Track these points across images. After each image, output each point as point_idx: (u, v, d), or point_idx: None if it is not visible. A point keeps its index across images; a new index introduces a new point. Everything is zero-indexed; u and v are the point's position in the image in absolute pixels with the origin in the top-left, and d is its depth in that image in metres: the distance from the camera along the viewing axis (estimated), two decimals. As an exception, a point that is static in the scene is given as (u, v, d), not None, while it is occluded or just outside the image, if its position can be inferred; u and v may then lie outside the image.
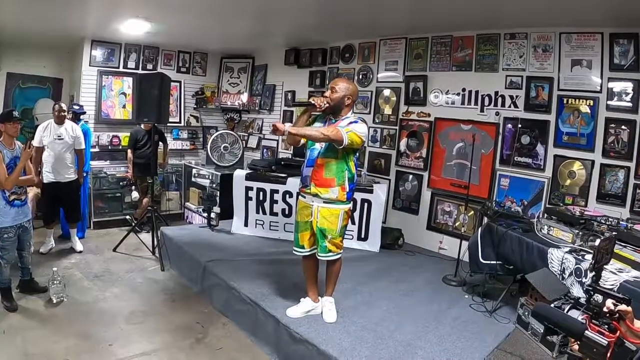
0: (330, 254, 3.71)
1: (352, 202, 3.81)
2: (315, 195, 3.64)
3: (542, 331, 3.54)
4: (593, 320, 1.64)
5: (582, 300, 2.03)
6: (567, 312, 1.91)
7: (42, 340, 3.77)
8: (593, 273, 2.09)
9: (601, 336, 1.56)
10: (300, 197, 3.85)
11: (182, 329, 4.16)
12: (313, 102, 3.62)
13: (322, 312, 3.88)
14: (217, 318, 4.44)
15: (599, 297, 1.82)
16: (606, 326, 1.59)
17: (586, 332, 1.60)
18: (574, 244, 3.63)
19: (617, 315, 1.66)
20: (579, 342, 1.64)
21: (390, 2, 4.75)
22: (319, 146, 3.64)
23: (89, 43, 7.28)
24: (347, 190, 3.64)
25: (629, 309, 1.66)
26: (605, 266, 2.41)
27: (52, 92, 7.87)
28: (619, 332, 1.60)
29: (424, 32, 6.00)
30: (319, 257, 3.79)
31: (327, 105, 3.60)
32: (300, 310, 3.85)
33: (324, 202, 3.62)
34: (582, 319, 1.70)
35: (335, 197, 3.60)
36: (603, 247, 2.12)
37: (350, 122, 3.55)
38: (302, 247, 3.83)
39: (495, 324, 4.00)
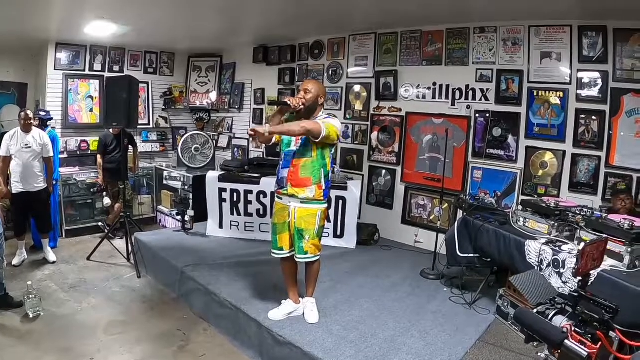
0: (308, 255, 3.70)
1: (328, 202, 3.81)
2: (292, 195, 3.63)
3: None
4: (575, 329, 1.59)
5: (568, 299, 1.99)
6: (551, 318, 1.86)
7: (21, 358, 3.67)
8: (579, 279, 2.05)
9: (582, 347, 1.51)
10: (276, 198, 3.82)
11: (163, 337, 4.10)
12: (288, 102, 3.60)
13: (303, 313, 3.87)
14: (198, 324, 4.39)
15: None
16: (590, 336, 1.54)
17: (566, 341, 1.55)
18: (550, 235, 3.70)
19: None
20: (558, 351, 1.59)
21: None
22: (294, 147, 3.64)
23: (54, 46, 7.09)
24: (324, 188, 3.65)
25: None
26: (591, 271, 2.37)
27: (17, 97, 7.63)
28: (601, 342, 1.54)
29: (393, 27, 6.01)
30: (296, 259, 3.78)
31: (303, 106, 3.60)
32: (282, 313, 3.84)
33: (301, 202, 3.62)
34: (564, 326, 1.65)
35: (312, 196, 3.60)
36: (589, 252, 2.05)
37: (325, 118, 3.57)
38: (281, 249, 3.80)
39: (475, 315, 4.06)
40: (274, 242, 3.85)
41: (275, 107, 3.80)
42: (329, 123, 3.50)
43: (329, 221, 5.64)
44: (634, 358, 1.62)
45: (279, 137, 3.71)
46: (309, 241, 3.66)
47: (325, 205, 3.73)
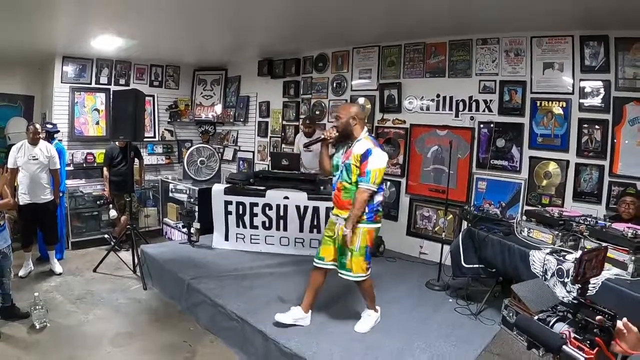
0: (352, 273, 3.73)
1: (377, 223, 3.80)
2: (337, 215, 3.76)
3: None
4: (575, 335, 1.61)
5: (570, 307, 2.00)
6: (552, 325, 1.88)
7: (27, 368, 3.69)
8: (579, 286, 2.06)
9: (580, 352, 1.53)
10: (331, 213, 3.96)
11: (169, 349, 4.11)
12: (324, 136, 3.84)
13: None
14: (204, 336, 4.39)
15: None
16: (588, 342, 1.56)
17: (564, 347, 1.57)
18: (554, 245, 3.70)
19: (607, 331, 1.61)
20: (557, 357, 1.61)
21: (362, 12, 4.80)
22: (338, 171, 3.75)
23: (60, 59, 7.19)
24: (367, 210, 3.66)
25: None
26: (591, 279, 2.37)
27: (24, 110, 7.73)
28: (597, 348, 1.56)
29: (396, 39, 6.06)
30: (339, 274, 3.82)
31: (337, 134, 3.76)
32: (290, 317, 3.86)
33: (345, 220, 3.67)
34: (563, 332, 1.67)
35: None
36: (586, 259, 2.06)
37: (366, 153, 3.57)
38: (322, 259, 3.87)
39: (480, 326, 4.06)
40: (318, 251, 3.95)
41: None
42: (374, 170, 3.53)
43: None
44: None
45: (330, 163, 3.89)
46: (352, 259, 3.70)
47: (369, 225, 3.71)
